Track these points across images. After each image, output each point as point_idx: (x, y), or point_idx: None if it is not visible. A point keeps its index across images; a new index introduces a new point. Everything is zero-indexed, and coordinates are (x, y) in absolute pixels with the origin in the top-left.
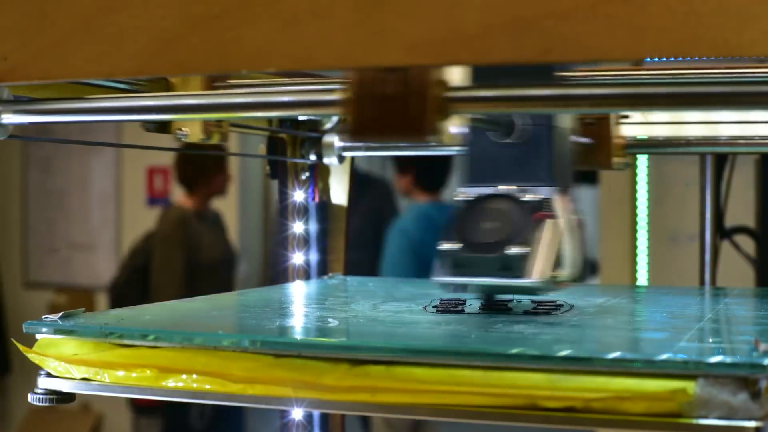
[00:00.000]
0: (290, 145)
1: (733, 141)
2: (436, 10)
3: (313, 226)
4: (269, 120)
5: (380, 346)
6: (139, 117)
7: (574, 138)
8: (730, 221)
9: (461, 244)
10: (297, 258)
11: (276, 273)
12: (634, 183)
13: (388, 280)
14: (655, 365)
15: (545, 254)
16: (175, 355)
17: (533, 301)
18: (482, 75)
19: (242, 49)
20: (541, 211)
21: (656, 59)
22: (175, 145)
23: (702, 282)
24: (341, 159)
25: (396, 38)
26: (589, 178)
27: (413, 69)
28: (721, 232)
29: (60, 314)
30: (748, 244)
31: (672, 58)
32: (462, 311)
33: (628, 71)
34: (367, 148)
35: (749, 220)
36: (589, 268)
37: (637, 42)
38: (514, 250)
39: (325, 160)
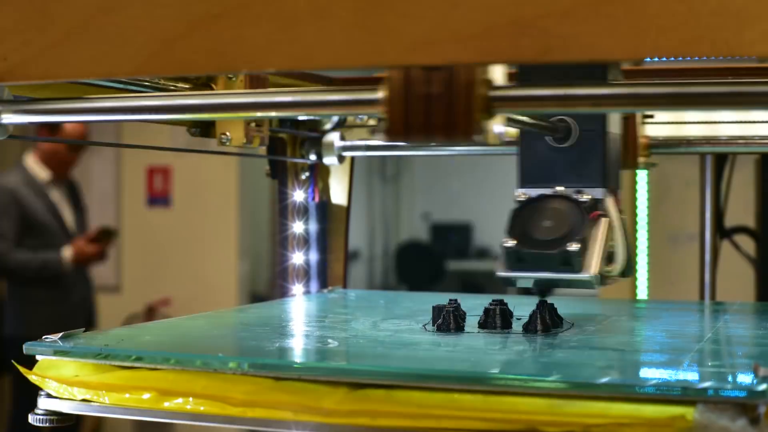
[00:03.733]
0: (290, 145)
1: (733, 141)
2: (436, 11)
3: (313, 226)
4: (269, 120)
5: (380, 370)
6: (139, 117)
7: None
8: (730, 221)
9: (522, 241)
10: (297, 258)
11: (276, 272)
12: (634, 183)
13: (387, 294)
14: (655, 391)
15: (599, 251)
16: (175, 377)
17: (533, 317)
18: (530, 74)
19: (242, 49)
20: (593, 210)
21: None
22: (175, 145)
23: (702, 282)
24: (341, 159)
25: (396, 38)
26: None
27: (458, 67)
28: (721, 231)
29: (60, 335)
30: (748, 244)
31: (672, 58)
32: (461, 329)
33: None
34: (367, 148)
35: (749, 220)
36: (636, 266)
37: (637, 42)
38: (571, 246)
39: (325, 160)
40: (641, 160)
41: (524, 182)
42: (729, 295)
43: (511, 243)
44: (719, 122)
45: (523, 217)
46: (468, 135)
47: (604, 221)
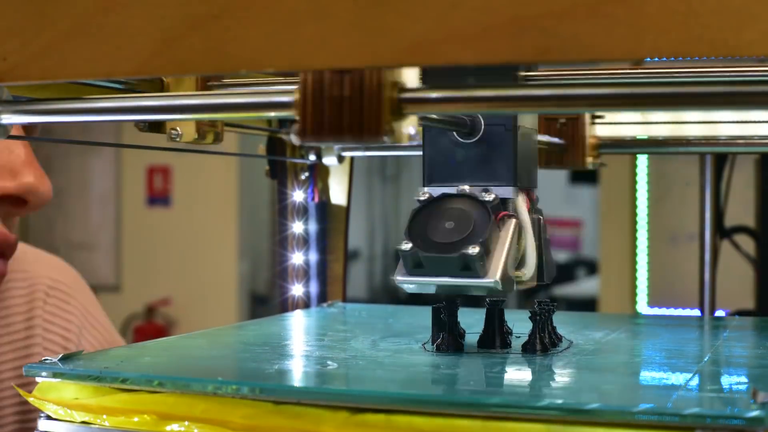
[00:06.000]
0: (289, 145)
1: (733, 141)
2: (435, 10)
3: (313, 226)
4: (268, 120)
5: (380, 395)
6: (139, 117)
7: (545, 138)
8: (730, 221)
9: (421, 244)
10: (297, 258)
11: (276, 272)
12: (634, 183)
13: (386, 308)
14: (653, 416)
15: (505, 254)
16: (175, 401)
17: (532, 337)
18: (443, 76)
19: (242, 49)
20: (499, 210)
21: (656, 59)
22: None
23: (702, 282)
24: (341, 159)
25: (396, 38)
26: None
27: (367, 70)
28: (721, 231)
29: (60, 356)
30: (748, 243)
31: (672, 58)
32: (460, 349)
33: (587, 71)
34: (367, 148)
35: (749, 220)
36: (555, 270)
37: (637, 42)
38: (471, 250)
39: (325, 160)
40: (589, 159)
41: (429, 180)
42: (729, 295)
43: (407, 246)
44: (719, 122)
45: (423, 218)
46: (378, 137)
47: (511, 222)
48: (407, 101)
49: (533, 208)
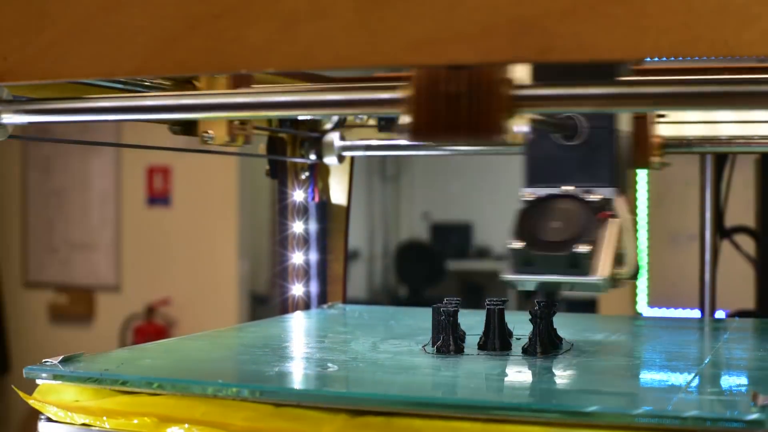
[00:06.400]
0: (290, 145)
1: (733, 141)
2: (436, 10)
3: (313, 226)
4: (269, 120)
5: (379, 397)
6: (139, 117)
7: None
8: (730, 221)
9: (528, 243)
10: (297, 257)
11: (276, 272)
12: (634, 183)
13: (386, 310)
14: (654, 419)
15: (609, 253)
16: (175, 403)
17: (533, 340)
18: (542, 74)
19: (242, 49)
20: (603, 211)
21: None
22: (175, 145)
23: (702, 282)
24: (341, 159)
25: (396, 38)
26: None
27: (480, 67)
28: (721, 231)
29: (60, 358)
30: (748, 243)
31: (672, 58)
32: (461, 351)
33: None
34: (367, 148)
35: (749, 220)
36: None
37: (637, 42)
38: (580, 249)
39: (325, 160)
40: (654, 159)
41: (531, 181)
42: (729, 295)
43: (518, 244)
44: (719, 122)
45: (530, 218)
46: (492, 135)
47: (614, 222)
48: (521, 99)
49: (628, 208)
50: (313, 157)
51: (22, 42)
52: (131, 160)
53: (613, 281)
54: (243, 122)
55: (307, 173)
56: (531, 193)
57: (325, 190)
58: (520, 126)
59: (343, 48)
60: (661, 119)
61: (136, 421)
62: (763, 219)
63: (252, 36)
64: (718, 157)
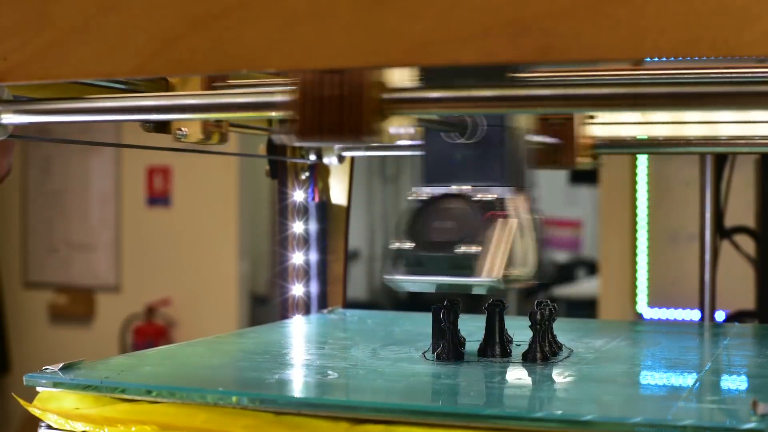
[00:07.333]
0: (290, 145)
1: (733, 141)
2: (436, 10)
3: (313, 226)
4: (269, 120)
5: (380, 406)
6: (139, 117)
7: (538, 138)
8: (730, 221)
9: (414, 243)
10: (297, 258)
11: (275, 273)
12: (634, 183)
13: (386, 315)
14: (653, 429)
15: (498, 253)
16: (176, 411)
17: (533, 346)
18: (432, 76)
19: (242, 49)
20: (493, 210)
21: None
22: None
23: (702, 282)
24: (341, 159)
25: (396, 38)
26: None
27: (350, 70)
28: (721, 231)
29: (60, 365)
30: (748, 243)
31: (672, 58)
32: (461, 358)
33: (571, 73)
34: (367, 148)
35: (749, 220)
36: (550, 269)
37: (637, 42)
38: (465, 249)
39: (325, 160)
40: (581, 159)
41: (426, 180)
42: (729, 295)
43: (405, 245)
44: (719, 122)
45: (418, 218)
46: (360, 137)
47: (507, 222)
48: (391, 102)
49: (526, 207)
50: (313, 157)
51: (22, 42)
52: (131, 160)
53: (507, 282)
54: (218, 120)
55: (307, 173)
56: (419, 192)
57: (325, 191)
58: (398, 127)
59: (342, 48)
60: (594, 120)
61: (135, 429)
62: (763, 219)
63: (252, 36)
64: (718, 157)
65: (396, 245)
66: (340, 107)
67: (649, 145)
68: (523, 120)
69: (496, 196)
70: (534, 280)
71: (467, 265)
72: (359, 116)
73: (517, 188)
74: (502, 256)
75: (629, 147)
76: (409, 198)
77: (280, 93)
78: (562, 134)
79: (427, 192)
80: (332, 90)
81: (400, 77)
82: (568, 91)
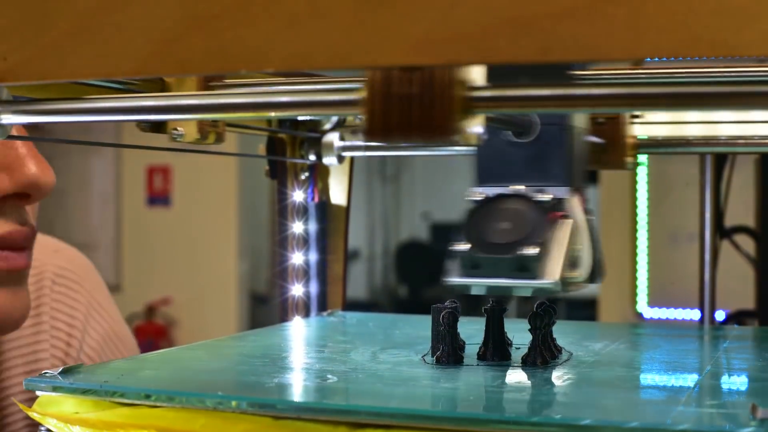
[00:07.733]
0: (289, 145)
1: (733, 141)
2: (435, 10)
3: (313, 226)
4: (268, 120)
5: (380, 411)
6: (140, 117)
7: (587, 138)
8: (730, 221)
9: (474, 245)
10: (296, 258)
11: (275, 273)
12: (634, 183)
13: (386, 318)
14: None
15: (559, 255)
16: (175, 415)
17: (532, 349)
18: (495, 75)
19: (242, 49)
20: (555, 211)
21: (656, 59)
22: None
23: (702, 282)
24: (341, 159)
25: (396, 38)
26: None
27: (435, 68)
28: (721, 231)
29: (59, 369)
30: (748, 243)
31: (672, 58)
32: (460, 361)
33: (632, 70)
34: (367, 148)
35: (749, 220)
36: (605, 270)
37: (637, 42)
38: (527, 251)
39: (325, 160)
40: (628, 160)
41: (481, 180)
42: (729, 295)
43: (463, 247)
44: (719, 122)
45: (477, 219)
46: (448, 136)
47: (567, 223)
48: (477, 99)
49: (584, 208)
50: (312, 157)
51: (22, 42)
52: (131, 160)
53: (567, 285)
54: (214, 120)
55: (306, 173)
56: (480, 193)
57: (324, 191)
58: (474, 127)
59: (343, 48)
60: (637, 119)
61: None
62: (763, 219)
63: (252, 36)
64: (718, 157)
65: (455, 247)
66: (421, 106)
67: (649, 145)
68: (580, 118)
69: (554, 196)
70: (589, 282)
71: (526, 267)
72: (444, 115)
73: (576, 189)
74: (561, 257)
75: (666, 147)
76: (467, 198)
77: (350, 91)
78: (607, 133)
79: (485, 192)
80: (411, 88)
81: (475, 76)
82: (678, 90)
